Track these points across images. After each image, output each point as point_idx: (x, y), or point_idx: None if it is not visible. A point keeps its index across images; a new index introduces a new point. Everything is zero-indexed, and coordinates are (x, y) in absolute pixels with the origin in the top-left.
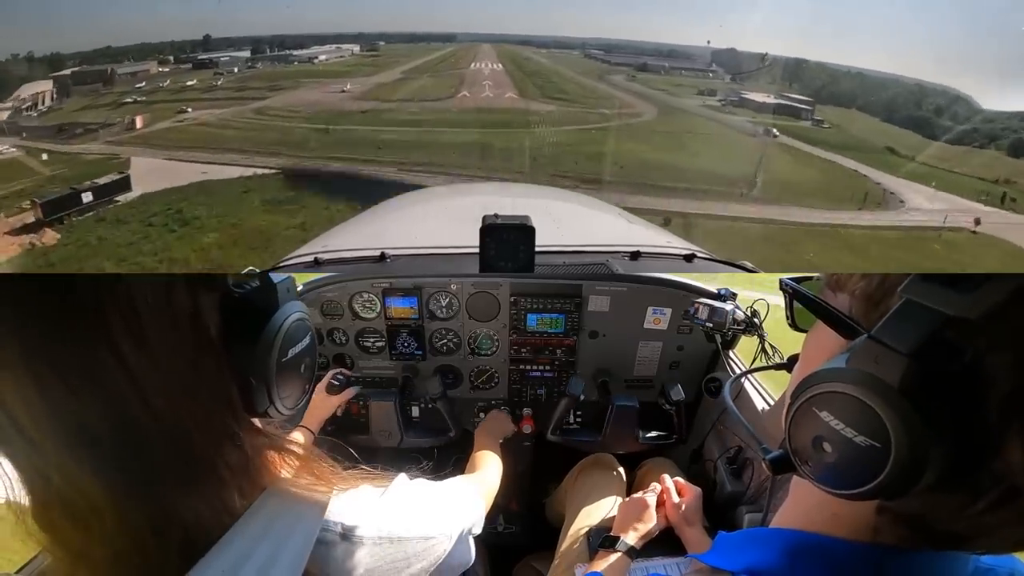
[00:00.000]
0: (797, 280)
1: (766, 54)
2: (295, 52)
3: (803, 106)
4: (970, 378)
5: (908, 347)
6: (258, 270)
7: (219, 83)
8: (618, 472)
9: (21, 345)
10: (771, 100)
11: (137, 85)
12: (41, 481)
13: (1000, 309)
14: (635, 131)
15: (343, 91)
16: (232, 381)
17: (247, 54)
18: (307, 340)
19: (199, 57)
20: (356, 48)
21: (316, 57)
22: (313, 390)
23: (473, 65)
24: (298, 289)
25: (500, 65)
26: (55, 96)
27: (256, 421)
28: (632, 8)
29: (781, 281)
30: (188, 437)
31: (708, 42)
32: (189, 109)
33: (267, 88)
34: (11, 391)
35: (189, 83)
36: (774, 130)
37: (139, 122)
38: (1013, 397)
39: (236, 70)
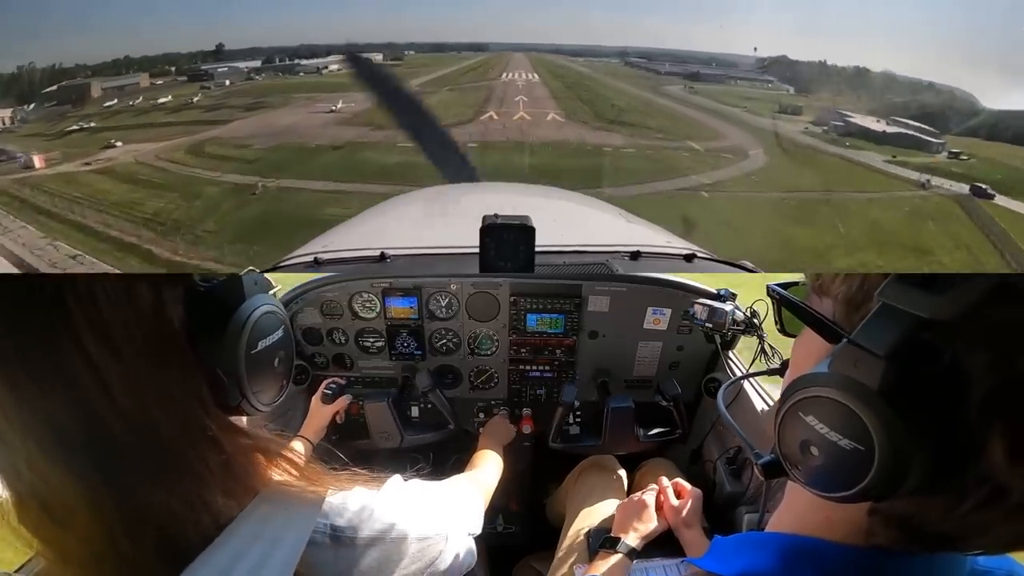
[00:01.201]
0: (784, 285)
1: (825, 61)
2: (302, 62)
3: (926, 136)
4: (950, 378)
5: (885, 350)
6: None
7: (195, 100)
8: (618, 473)
9: None
10: (889, 128)
11: (106, 104)
12: (16, 478)
13: (975, 309)
14: (765, 190)
15: (331, 111)
16: (201, 375)
17: (257, 64)
18: (279, 333)
19: (199, 68)
20: (379, 57)
21: (326, 67)
22: (289, 385)
23: (505, 76)
24: (298, 289)
25: (536, 75)
26: (11, 118)
27: (242, 420)
28: (651, 11)
29: (768, 287)
30: (157, 432)
31: (755, 49)
32: (118, 143)
33: (245, 107)
34: None
35: (162, 100)
36: (987, 187)
37: (38, 162)
38: (993, 396)
39: (227, 83)
